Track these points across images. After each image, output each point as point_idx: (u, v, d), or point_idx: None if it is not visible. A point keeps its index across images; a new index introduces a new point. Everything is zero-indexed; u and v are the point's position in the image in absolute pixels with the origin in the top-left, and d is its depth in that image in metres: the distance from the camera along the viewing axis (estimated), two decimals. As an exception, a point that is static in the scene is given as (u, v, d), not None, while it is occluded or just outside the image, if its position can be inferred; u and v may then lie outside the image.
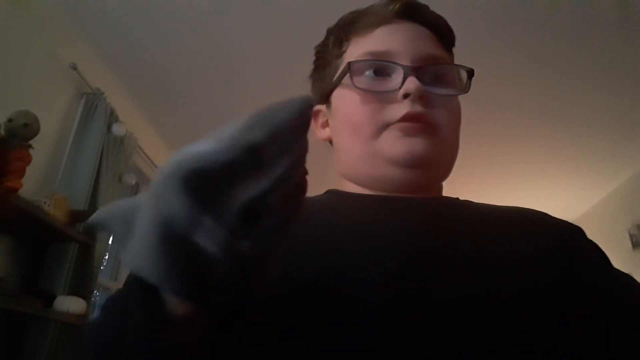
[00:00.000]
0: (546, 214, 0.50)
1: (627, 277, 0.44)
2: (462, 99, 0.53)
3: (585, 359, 0.38)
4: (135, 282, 0.29)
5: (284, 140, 0.26)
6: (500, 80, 2.45)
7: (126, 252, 0.27)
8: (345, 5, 0.58)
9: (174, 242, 0.25)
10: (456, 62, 0.56)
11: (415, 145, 0.47)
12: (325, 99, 0.57)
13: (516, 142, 3.05)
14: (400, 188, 0.50)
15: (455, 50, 0.58)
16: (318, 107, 0.59)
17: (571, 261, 0.43)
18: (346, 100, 0.52)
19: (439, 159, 0.50)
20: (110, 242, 2.24)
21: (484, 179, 3.53)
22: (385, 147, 0.48)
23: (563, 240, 0.45)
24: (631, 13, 1.99)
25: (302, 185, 0.29)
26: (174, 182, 0.24)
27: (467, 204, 0.51)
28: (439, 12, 0.56)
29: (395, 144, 0.48)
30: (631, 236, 3.36)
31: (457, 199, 0.53)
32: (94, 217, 0.30)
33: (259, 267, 0.28)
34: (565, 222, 0.49)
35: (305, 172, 0.29)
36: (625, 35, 2.12)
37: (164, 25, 2.20)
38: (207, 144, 0.25)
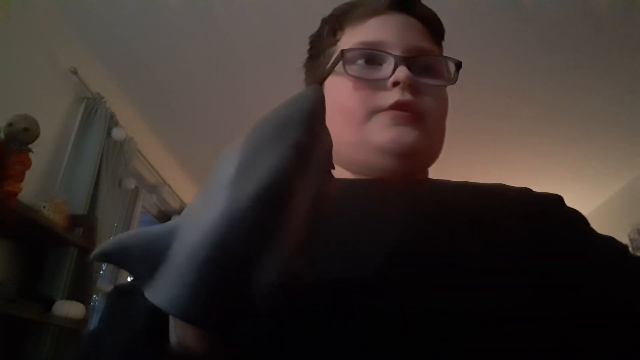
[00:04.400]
0: (527, 189, 0.51)
1: (608, 241, 0.44)
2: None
3: (568, 329, 0.38)
4: (139, 309, 0.27)
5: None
6: (498, 85, 2.45)
7: (154, 289, 0.24)
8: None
9: (224, 278, 0.22)
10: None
11: (403, 134, 0.49)
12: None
13: (514, 147, 3.05)
14: (387, 175, 0.51)
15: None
16: None
17: (549, 231, 0.43)
18: (338, 87, 0.54)
19: (425, 147, 0.51)
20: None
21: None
22: (374, 134, 0.50)
23: (540, 212, 0.46)
24: (629, 19, 2.00)
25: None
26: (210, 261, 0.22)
27: (450, 184, 0.51)
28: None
29: (384, 132, 0.49)
30: (631, 240, 3.36)
31: (446, 180, 0.53)
32: (103, 248, 0.25)
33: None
34: (545, 193, 0.50)
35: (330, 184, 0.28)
36: (625, 40, 2.12)
37: (164, 29, 2.21)
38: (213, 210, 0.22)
